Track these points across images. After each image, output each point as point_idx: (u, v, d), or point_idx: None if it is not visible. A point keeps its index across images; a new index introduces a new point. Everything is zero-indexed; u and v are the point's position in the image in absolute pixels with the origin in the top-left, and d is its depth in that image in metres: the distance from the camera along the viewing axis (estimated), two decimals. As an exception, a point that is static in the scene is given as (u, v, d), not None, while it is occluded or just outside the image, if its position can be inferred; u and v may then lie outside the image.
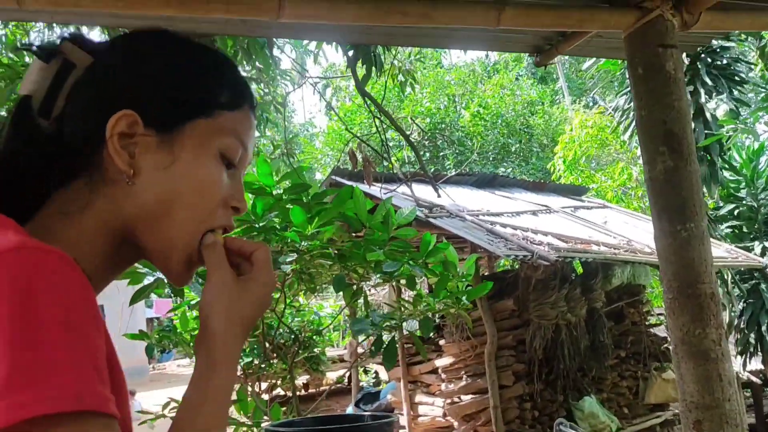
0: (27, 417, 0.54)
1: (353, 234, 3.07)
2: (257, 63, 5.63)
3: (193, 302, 3.66)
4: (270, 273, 0.82)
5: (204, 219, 0.80)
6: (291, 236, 2.71)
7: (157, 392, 14.12)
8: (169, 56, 0.82)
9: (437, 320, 6.65)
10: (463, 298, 2.96)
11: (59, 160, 0.76)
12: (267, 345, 3.95)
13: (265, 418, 3.31)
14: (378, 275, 2.99)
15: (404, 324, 3.33)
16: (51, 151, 0.76)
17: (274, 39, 4.88)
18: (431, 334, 5.09)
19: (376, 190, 5.50)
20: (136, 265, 2.48)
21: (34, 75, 0.78)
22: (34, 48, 0.79)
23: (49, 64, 0.78)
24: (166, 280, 2.60)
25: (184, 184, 0.78)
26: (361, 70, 4.49)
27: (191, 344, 4.04)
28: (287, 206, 2.71)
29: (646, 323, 7.81)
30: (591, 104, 18.98)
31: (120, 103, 0.76)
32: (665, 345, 7.57)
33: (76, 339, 0.59)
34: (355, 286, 3.09)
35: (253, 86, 7.13)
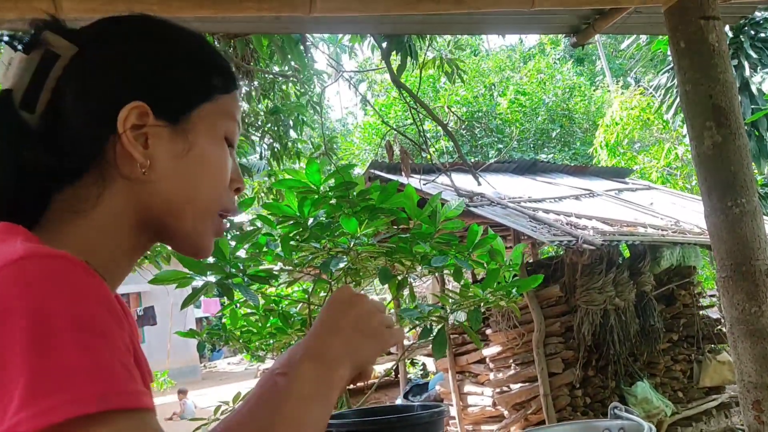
0: (51, 423, 0.53)
1: (398, 227, 3.08)
2: (292, 62, 5.66)
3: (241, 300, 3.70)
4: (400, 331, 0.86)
5: (223, 194, 0.81)
6: (343, 242, 2.74)
7: (209, 390, 14.41)
8: (165, 42, 0.80)
9: (483, 310, 6.61)
10: (513, 290, 2.93)
11: (59, 158, 0.73)
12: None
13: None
14: (424, 266, 2.99)
15: (450, 315, 3.32)
16: (45, 149, 0.73)
17: (308, 36, 4.90)
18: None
19: (414, 181, 5.48)
20: (184, 269, 2.53)
21: (14, 68, 0.74)
22: (5, 38, 0.76)
23: (30, 56, 0.74)
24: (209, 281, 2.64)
25: (202, 170, 0.79)
26: (395, 61, 4.47)
27: (241, 340, 4.08)
28: (331, 202, 2.73)
29: (698, 305, 7.63)
30: (630, 84, 18.58)
31: (125, 94, 0.74)
32: (719, 327, 7.38)
33: (94, 340, 0.58)
34: (400, 277, 3.09)
35: (289, 86, 7.18)
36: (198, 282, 2.75)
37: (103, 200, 0.75)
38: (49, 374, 0.54)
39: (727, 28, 7.95)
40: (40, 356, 0.55)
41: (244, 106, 6.68)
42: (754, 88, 8.36)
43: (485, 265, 2.92)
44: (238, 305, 3.80)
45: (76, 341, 0.56)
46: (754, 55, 8.41)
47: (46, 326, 0.56)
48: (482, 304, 3.05)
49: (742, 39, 8.43)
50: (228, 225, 3.13)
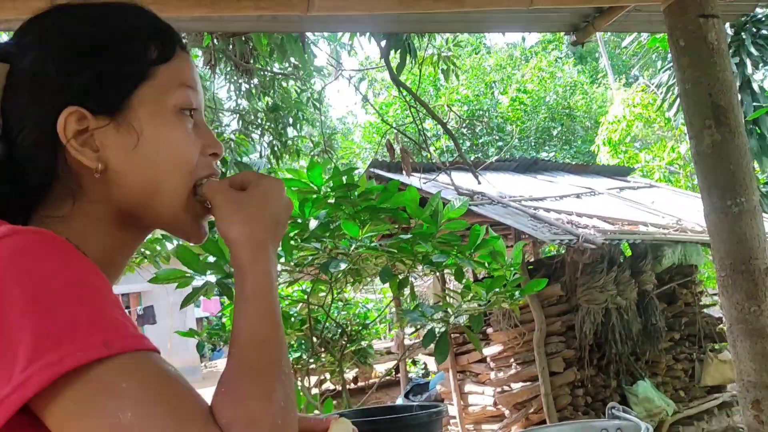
0: (60, 373, 0.55)
1: (399, 226, 3.07)
2: (292, 60, 5.66)
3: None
4: (268, 178, 0.81)
5: (189, 175, 0.78)
6: (344, 244, 2.73)
7: (210, 390, 14.42)
8: (82, 32, 0.75)
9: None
10: (516, 293, 2.92)
11: (20, 179, 0.73)
12: (314, 339, 3.98)
13: (316, 412, 3.33)
14: (425, 266, 2.98)
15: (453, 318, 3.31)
16: (3, 172, 0.73)
17: (307, 34, 4.89)
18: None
19: (415, 179, 5.47)
20: (183, 268, 2.52)
21: None
22: None
23: None
24: (214, 282, 2.64)
25: (159, 155, 0.75)
26: (394, 60, 4.46)
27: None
28: (330, 201, 2.72)
29: (700, 304, 7.61)
30: (632, 82, 18.55)
31: (58, 101, 0.72)
32: (720, 326, 7.36)
33: (89, 293, 0.60)
34: (401, 276, 3.09)
35: (289, 83, 7.17)
36: (198, 281, 2.74)
37: (78, 207, 0.75)
38: (52, 328, 0.57)
39: (728, 25, 7.93)
40: (41, 314, 0.57)
41: (243, 103, 6.67)
42: (755, 86, 8.33)
43: (486, 265, 2.92)
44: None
45: (72, 295, 0.59)
46: (756, 53, 8.38)
47: (40, 286, 0.58)
48: (484, 306, 3.04)
49: (744, 36, 8.40)
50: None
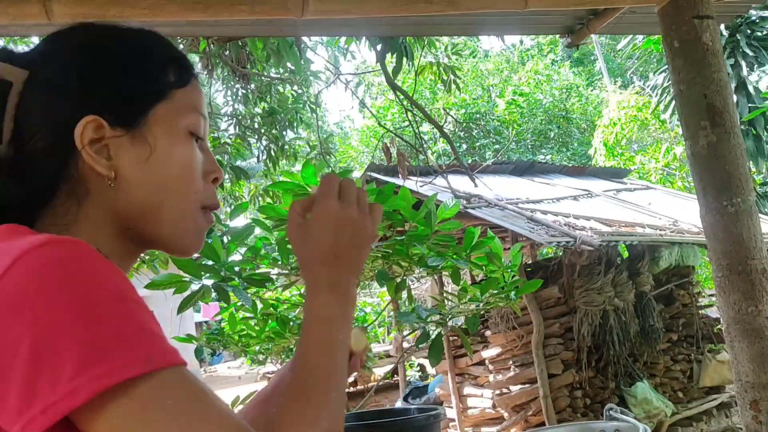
0: (108, 386, 0.57)
1: (395, 229, 3.07)
2: (288, 64, 5.66)
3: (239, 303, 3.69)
4: (325, 199, 0.84)
5: (193, 192, 0.82)
6: None
7: (210, 394, 14.38)
8: (109, 50, 0.80)
9: (482, 312, 6.60)
10: (512, 293, 2.92)
11: (28, 182, 0.75)
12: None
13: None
14: (422, 268, 2.98)
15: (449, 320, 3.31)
16: (12, 175, 0.75)
17: (303, 38, 4.89)
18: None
19: (411, 183, 5.48)
20: (180, 273, 2.52)
21: None
22: None
23: None
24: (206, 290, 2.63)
25: (168, 169, 0.79)
26: (390, 63, 4.46)
27: (240, 344, 4.09)
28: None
29: (698, 305, 7.62)
30: (628, 84, 18.59)
31: (78, 110, 0.75)
32: (718, 326, 7.36)
33: (130, 308, 0.62)
34: (398, 279, 3.08)
35: (286, 87, 7.17)
36: (196, 286, 2.74)
37: (82, 213, 0.77)
38: (98, 341, 0.58)
39: (723, 27, 7.95)
40: (86, 325, 0.59)
41: (240, 108, 6.68)
42: (751, 87, 8.36)
43: (483, 267, 2.92)
44: (236, 309, 3.79)
45: (115, 307, 0.61)
46: (751, 54, 8.41)
47: (84, 297, 0.60)
48: (481, 306, 3.04)
49: (739, 38, 8.43)
50: (217, 224, 3.11)
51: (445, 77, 5.88)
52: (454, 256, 2.76)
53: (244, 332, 3.90)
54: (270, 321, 3.60)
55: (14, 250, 0.62)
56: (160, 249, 0.84)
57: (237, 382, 17.34)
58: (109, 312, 0.60)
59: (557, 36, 3.29)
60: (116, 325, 0.60)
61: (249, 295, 2.85)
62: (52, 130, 0.75)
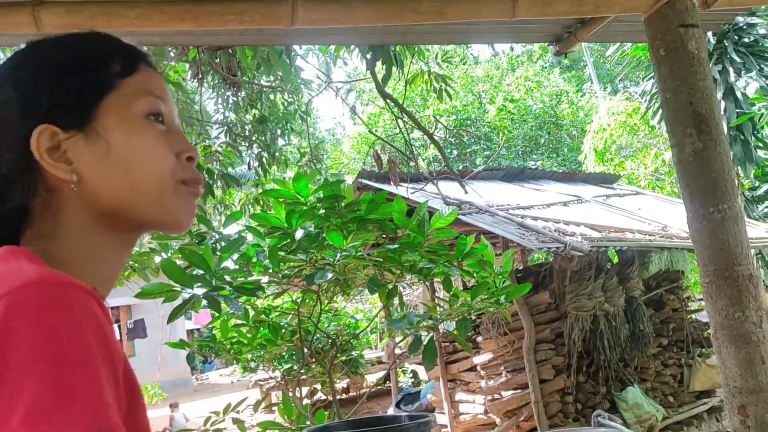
0: None
1: (386, 237, 3.08)
2: (278, 72, 5.67)
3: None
4: None
5: (166, 173, 0.81)
6: (329, 254, 2.73)
7: (201, 402, 14.32)
8: (46, 55, 0.81)
9: (473, 317, 6.61)
10: (502, 298, 2.94)
11: (3, 199, 0.77)
12: (305, 350, 3.97)
13: (308, 423, 3.32)
14: (413, 275, 2.99)
15: (440, 325, 3.32)
16: None
17: (294, 47, 4.91)
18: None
19: (402, 189, 5.49)
20: (170, 282, 2.52)
21: None
22: None
23: None
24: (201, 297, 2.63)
25: (130, 158, 0.79)
26: (380, 71, 4.48)
27: (231, 352, 4.08)
28: (320, 212, 2.73)
29: (687, 309, 7.66)
30: (618, 90, 18.71)
31: (28, 123, 0.76)
32: (708, 330, 7.41)
33: (93, 373, 0.61)
34: (390, 285, 3.09)
35: (277, 95, 7.18)
36: (187, 294, 2.74)
37: (61, 221, 0.77)
38: (55, 398, 0.57)
39: (710, 34, 8.02)
40: (48, 380, 0.58)
41: (231, 116, 6.67)
42: (738, 93, 8.42)
43: (474, 274, 2.93)
44: (228, 317, 3.78)
45: (81, 371, 0.60)
46: (738, 60, 8.47)
47: (57, 354, 0.59)
48: (471, 311, 3.05)
49: (726, 44, 8.50)
50: (210, 231, 3.11)
51: (436, 85, 5.91)
52: (447, 264, 2.78)
53: (236, 340, 3.89)
54: (262, 328, 3.60)
55: (5, 284, 0.62)
56: (153, 230, 0.85)
57: (229, 389, 17.27)
58: (74, 372, 0.60)
59: (546, 44, 3.32)
60: (76, 385, 0.59)
61: (240, 303, 2.85)
62: (10, 149, 0.76)
